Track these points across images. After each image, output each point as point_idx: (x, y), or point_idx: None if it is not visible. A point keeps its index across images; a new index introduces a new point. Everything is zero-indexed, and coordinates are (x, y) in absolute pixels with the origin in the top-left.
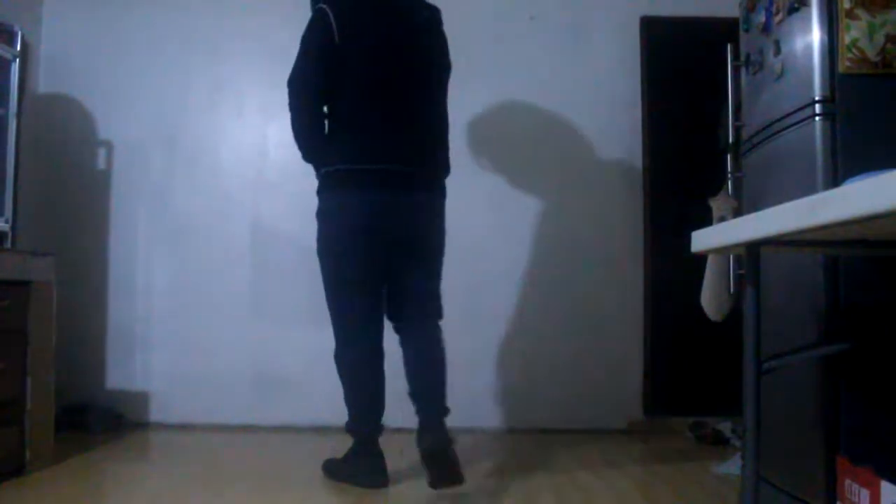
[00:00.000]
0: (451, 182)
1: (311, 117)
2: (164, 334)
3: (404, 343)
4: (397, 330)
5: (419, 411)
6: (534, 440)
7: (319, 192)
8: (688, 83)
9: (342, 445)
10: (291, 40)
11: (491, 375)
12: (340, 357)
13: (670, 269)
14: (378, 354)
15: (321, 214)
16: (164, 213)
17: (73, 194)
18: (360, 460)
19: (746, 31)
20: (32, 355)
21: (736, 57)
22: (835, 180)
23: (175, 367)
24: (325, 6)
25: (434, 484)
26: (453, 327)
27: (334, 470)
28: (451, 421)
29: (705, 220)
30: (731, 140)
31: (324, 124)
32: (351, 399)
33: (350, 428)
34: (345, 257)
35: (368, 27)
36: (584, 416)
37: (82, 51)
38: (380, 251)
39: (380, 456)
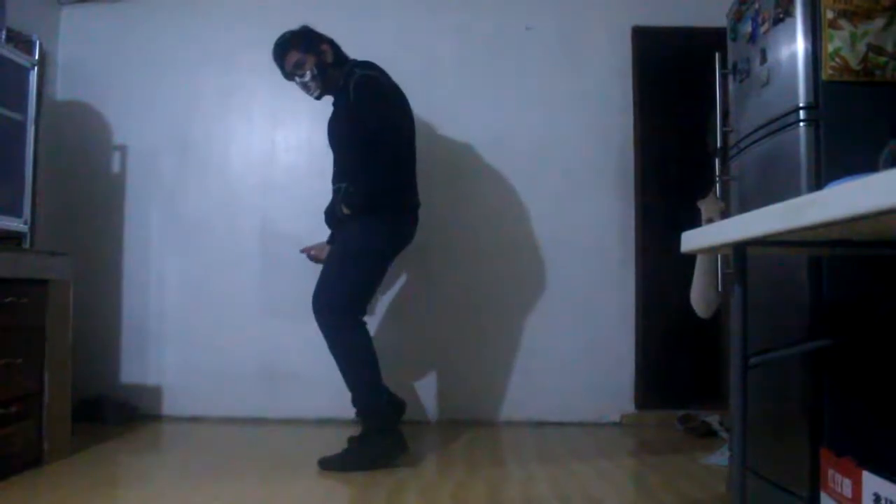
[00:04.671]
0: (454, 185)
1: (402, 158)
2: (177, 330)
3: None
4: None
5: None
6: (530, 432)
7: (376, 216)
8: (678, 90)
9: (346, 437)
10: None
11: (490, 371)
12: (355, 341)
13: (661, 269)
14: None
15: (379, 226)
16: (176, 214)
17: (89, 197)
18: (388, 438)
19: (734, 40)
20: (50, 351)
21: (724, 65)
22: (818, 183)
23: (187, 362)
24: (378, 75)
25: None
26: (454, 326)
27: (356, 459)
28: (453, 414)
29: (694, 222)
30: (719, 145)
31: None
32: (367, 378)
33: (371, 409)
34: (386, 261)
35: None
36: (578, 410)
37: (98, 59)
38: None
39: (400, 431)
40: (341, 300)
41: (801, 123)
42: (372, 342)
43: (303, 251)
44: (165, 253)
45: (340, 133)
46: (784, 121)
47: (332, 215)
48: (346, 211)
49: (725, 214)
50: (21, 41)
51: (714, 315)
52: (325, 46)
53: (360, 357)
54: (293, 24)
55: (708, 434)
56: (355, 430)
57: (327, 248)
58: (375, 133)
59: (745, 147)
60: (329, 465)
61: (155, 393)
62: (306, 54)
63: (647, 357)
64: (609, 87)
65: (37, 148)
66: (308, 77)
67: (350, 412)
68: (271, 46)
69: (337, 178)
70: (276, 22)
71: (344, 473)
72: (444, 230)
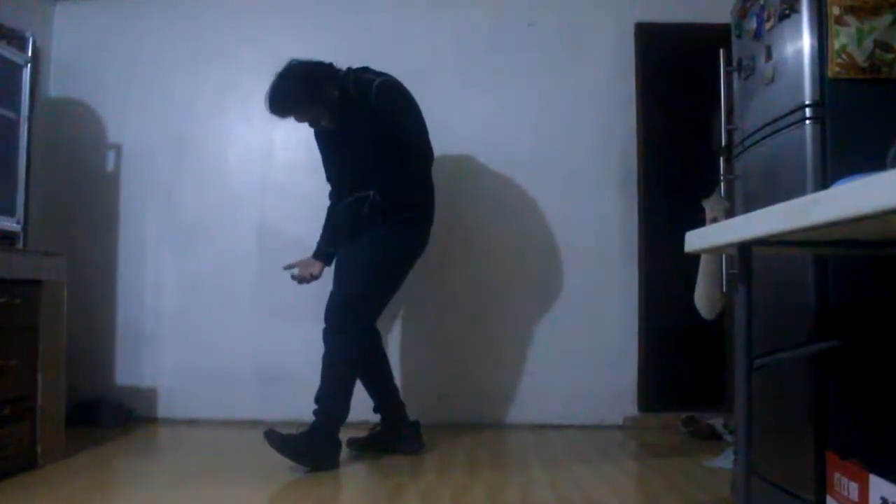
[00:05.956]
0: (456, 185)
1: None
2: (172, 332)
3: (377, 340)
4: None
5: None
6: (532, 435)
7: (409, 223)
8: (681, 88)
9: (345, 440)
10: (298, 46)
11: (491, 373)
12: (354, 349)
13: (664, 269)
14: None
15: (410, 238)
16: (171, 213)
17: (83, 196)
18: (331, 445)
19: (738, 37)
20: (43, 353)
21: (728, 62)
22: (824, 182)
23: (183, 364)
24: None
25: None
26: (455, 327)
27: (300, 451)
28: (453, 416)
29: (698, 221)
30: (723, 143)
31: None
32: (345, 389)
33: (332, 414)
34: (404, 272)
35: None
36: (580, 412)
37: (92, 56)
38: None
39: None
40: (358, 307)
41: (807, 121)
42: (363, 353)
43: (287, 268)
44: (161, 253)
45: (364, 142)
46: (789, 119)
47: (349, 225)
48: (377, 221)
49: (730, 214)
50: (14, 38)
51: (718, 316)
52: (328, 88)
53: (351, 369)
54: (290, 21)
55: (712, 437)
56: (354, 432)
57: (316, 265)
58: (410, 138)
59: (750, 145)
60: (273, 440)
61: (150, 395)
62: (317, 107)
63: (650, 358)
64: (612, 85)
65: (30, 146)
66: (325, 122)
67: (351, 415)
68: (269, 43)
69: (355, 188)
70: (274, 18)
71: (340, 475)
72: (444, 230)
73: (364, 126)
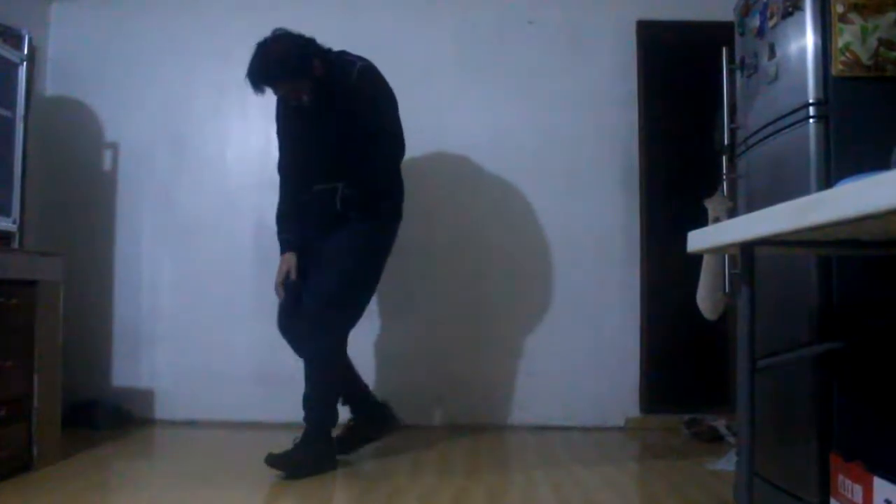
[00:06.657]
0: (456, 184)
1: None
2: (170, 332)
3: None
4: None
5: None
6: (533, 436)
7: (385, 216)
8: (683, 86)
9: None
10: None
11: (491, 374)
12: (338, 352)
13: (666, 269)
14: None
15: (387, 232)
16: (169, 213)
17: (80, 195)
18: (324, 447)
19: (741, 34)
20: (40, 353)
21: (731, 60)
22: (828, 181)
23: (180, 365)
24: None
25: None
26: (456, 328)
27: (302, 464)
28: (454, 418)
29: (701, 221)
30: (726, 142)
31: None
32: (332, 391)
33: (324, 418)
34: (382, 271)
35: None
36: (582, 414)
37: (89, 54)
38: None
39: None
40: (339, 313)
41: (811, 120)
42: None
43: (280, 285)
44: (158, 253)
45: (340, 124)
46: (793, 117)
47: (318, 222)
48: (353, 215)
49: (733, 213)
50: (10, 36)
51: (721, 316)
52: (315, 63)
53: (335, 371)
54: (288, 19)
55: (714, 439)
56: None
57: (289, 259)
58: (388, 127)
59: (753, 144)
60: (275, 464)
61: (148, 396)
62: (301, 80)
63: (652, 359)
64: (613, 83)
65: (26, 145)
66: (304, 99)
67: (345, 416)
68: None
69: (325, 178)
70: (272, 16)
71: (340, 476)
72: (444, 230)
73: (342, 107)
